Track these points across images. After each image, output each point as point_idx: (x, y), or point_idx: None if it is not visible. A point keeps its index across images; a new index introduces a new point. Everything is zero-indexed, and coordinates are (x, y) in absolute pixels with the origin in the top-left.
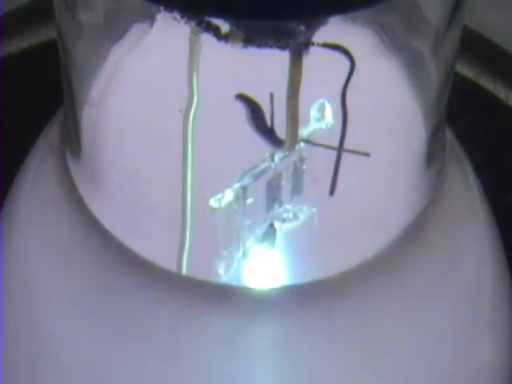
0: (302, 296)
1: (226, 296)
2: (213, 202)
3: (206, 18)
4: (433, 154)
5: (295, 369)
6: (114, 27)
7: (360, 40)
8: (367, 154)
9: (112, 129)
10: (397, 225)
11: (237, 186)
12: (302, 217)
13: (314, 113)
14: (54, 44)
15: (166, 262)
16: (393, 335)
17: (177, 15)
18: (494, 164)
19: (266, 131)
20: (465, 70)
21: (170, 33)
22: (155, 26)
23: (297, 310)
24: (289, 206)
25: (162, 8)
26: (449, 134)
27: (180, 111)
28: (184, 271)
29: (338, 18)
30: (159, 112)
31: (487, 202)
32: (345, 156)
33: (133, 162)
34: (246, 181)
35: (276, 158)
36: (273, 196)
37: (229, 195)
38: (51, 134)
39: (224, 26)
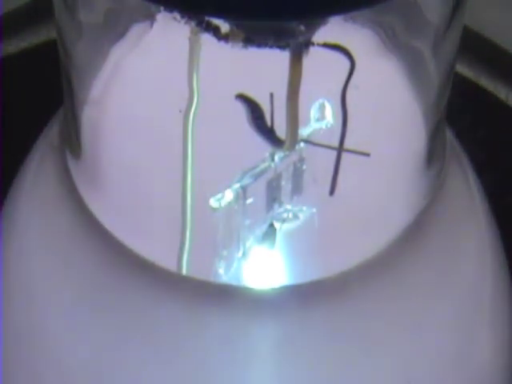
0: (302, 296)
1: (226, 296)
2: (213, 202)
3: (206, 18)
4: (433, 154)
5: (295, 369)
6: (114, 27)
7: (360, 40)
8: (367, 154)
9: (112, 129)
10: (397, 225)
11: (237, 185)
12: (301, 217)
13: (313, 113)
14: (54, 44)
15: (165, 261)
16: (393, 335)
17: (177, 15)
18: (494, 164)
19: (266, 131)
20: (465, 70)
21: (170, 33)
22: (155, 26)
23: (297, 310)
24: (289, 206)
25: (162, 8)
26: (449, 134)
27: (180, 111)
28: (184, 271)
29: (337, 18)
30: (159, 112)
31: (487, 202)
32: (345, 156)
33: (133, 161)
34: (246, 181)
35: (276, 158)
36: (273, 196)
37: (229, 195)
38: (51, 134)
39: (224, 26)
